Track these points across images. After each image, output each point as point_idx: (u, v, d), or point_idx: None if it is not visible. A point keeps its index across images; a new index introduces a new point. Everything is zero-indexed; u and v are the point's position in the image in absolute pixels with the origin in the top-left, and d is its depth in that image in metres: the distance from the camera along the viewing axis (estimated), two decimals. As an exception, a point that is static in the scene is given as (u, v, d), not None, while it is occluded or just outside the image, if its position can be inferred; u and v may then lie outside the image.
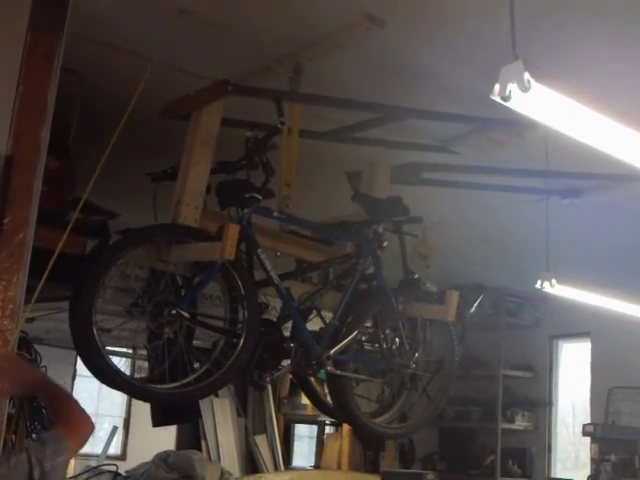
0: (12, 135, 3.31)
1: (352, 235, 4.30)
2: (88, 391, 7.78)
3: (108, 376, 3.35)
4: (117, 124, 3.43)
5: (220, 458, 7.81)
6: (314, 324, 4.10)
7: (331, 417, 4.68)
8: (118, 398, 9.96)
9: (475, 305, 4.36)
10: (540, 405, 7.86)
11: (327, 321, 4.06)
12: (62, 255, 3.38)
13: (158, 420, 4.60)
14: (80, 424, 2.30)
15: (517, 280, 6.85)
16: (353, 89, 4.36)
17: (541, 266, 5.19)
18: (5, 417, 3.26)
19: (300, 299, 4.03)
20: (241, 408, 8.44)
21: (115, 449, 9.45)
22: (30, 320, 5.27)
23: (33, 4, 3.38)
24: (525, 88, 2.34)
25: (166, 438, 7.96)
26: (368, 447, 8.24)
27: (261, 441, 8.31)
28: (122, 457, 9.43)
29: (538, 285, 5.08)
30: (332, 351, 3.92)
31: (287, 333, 3.99)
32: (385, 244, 4.24)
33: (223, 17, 3.74)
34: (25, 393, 2.53)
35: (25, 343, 4.91)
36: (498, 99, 2.42)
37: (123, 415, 9.83)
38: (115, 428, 9.02)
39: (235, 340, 3.63)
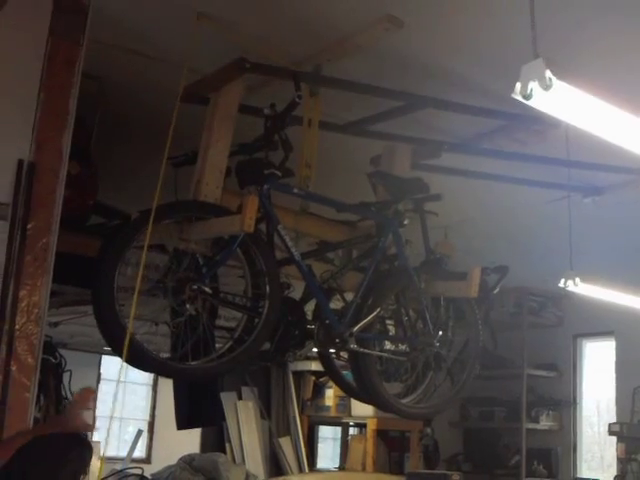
0: (35, 141, 3.34)
1: (372, 212, 4.26)
2: (113, 395, 7.78)
3: (132, 354, 3.31)
4: (138, 128, 3.44)
5: (244, 460, 7.84)
6: (335, 305, 4.09)
7: (354, 397, 4.63)
8: (142, 402, 10.00)
9: (498, 285, 4.29)
10: (565, 404, 7.80)
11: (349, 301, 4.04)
12: (85, 259, 3.41)
13: (182, 423, 4.60)
14: None
15: (540, 279, 6.80)
16: (373, 105, 4.35)
17: (564, 265, 5.17)
18: (32, 422, 3.29)
19: (322, 278, 4.01)
20: (265, 410, 8.45)
21: (140, 452, 9.47)
22: (55, 324, 5.31)
23: (54, 11, 3.42)
24: (546, 86, 2.33)
25: (191, 441, 7.98)
26: (392, 448, 8.24)
27: (285, 443, 8.33)
28: (147, 460, 9.45)
29: (561, 284, 5.05)
30: (355, 328, 3.90)
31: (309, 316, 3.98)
32: (406, 222, 4.21)
33: (241, 19, 3.75)
34: None
35: (50, 347, 4.93)
36: (519, 97, 2.41)
37: (147, 418, 9.85)
38: (140, 431, 9.04)
39: (257, 317, 3.63)
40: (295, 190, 3.91)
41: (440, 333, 4.25)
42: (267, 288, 3.65)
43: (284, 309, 3.76)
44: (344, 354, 4.07)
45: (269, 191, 3.68)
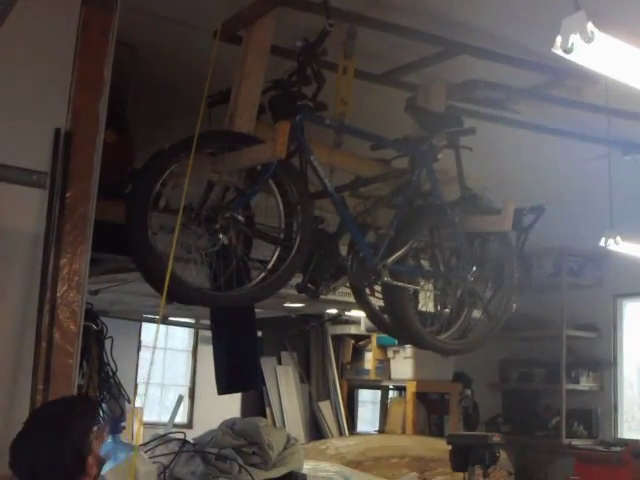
0: (71, 110, 3.35)
1: (406, 146, 4.21)
2: (154, 362, 7.86)
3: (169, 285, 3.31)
4: (173, 94, 3.43)
5: (285, 425, 7.89)
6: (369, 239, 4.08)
7: (387, 333, 4.61)
8: (182, 367, 10.11)
9: (534, 224, 4.24)
10: (605, 365, 7.75)
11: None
12: (123, 227, 3.42)
13: (223, 388, 4.64)
14: None
15: (579, 239, 6.74)
16: (407, 54, 4.31)
17: (604, 225, 5.11)
18: (76, 388, 3.33)
19: (355, 211, 4.00)
20: (304, 375, 8.50)
21: (182, 418, 9.60)
22: (95, 292, 5.35)
23: (86, -21, 3.40)
24: (589, 39, 2.28)
25: (231, 406, 8.04)
26: (432, 411, 8.25)
27: (325, 407, 8.37)
28: (189, 425, 9.58)
29: (602, 243, 4.99)
30: (388, 261, 3.89)
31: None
32: (440, 156, 4.17)
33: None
34: None
35: (91, 315, 4.97)
36: (560, 52, 2.36)
37: (188, 384, 9.97)
38: (181, 397, 9.15)
39: (289, 247, 3.64)
40: (328, 121, 3.88)
41: (474, 269, 4.22)
42: (299, 218, 3.66)
43: (317, 241, 3.77)
44: (378, 290, 4.06)
45: (302, 122, 3.67)
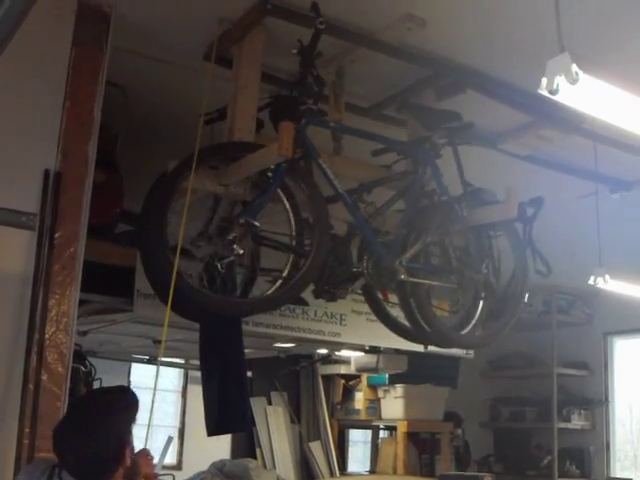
0: (60, 151, 3.35)
1: (408, 144, 4.23)
2: (143, 402, 7.79)
3: (185, 292, 3.38)
4: (163, 134, 3.45)
5: (275, 466, 7.82)
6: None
7: (405, 337, 4.55)
8: (172, 408, 10.02)
9: (536, 215, 4.24)
10: (596, 403, 7.74)
11: None
12: (113, 268, 3.42)
13: (212, 429, 4.59)
14: None
15: (568, 277, 6.75)
16: (396, 89, 4.34)
17: (593, 262, 5.12)
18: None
19: (366, 211, 3.98)
20: (295, 415, 8.44)
21: (171, 459, 9.49)
22: (84, 333, 5.33)
23: (77, 20, 3.44)
24: (573, 80, 2.30)
25: (221, 447, 7.97)
26: (423, 451, 8.19)
27: (316, 447, 8.30)
28: (178, 467, 9.46)
29: (591, 281, 5.00)
30: (403, 258, 3.89)
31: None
32: (442, 153, 4.16)
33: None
34: None
35: (79, 356, 4.95)
36: (546, 92, 2.38)
37: (178, 425, 9.87)
38: (170, 438, 9.03)
39: (303, 254, 3.64)
40: (332, 124, 3.91)
41: (486, 262, 4.23)
42: (315, 221, 3.65)
43: (331, 247, 3.76)
44: (392, 296, 4.07)
45: (306, 126, 3.67)
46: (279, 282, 3.69)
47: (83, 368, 5.12)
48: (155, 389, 3.57)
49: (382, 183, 4.18)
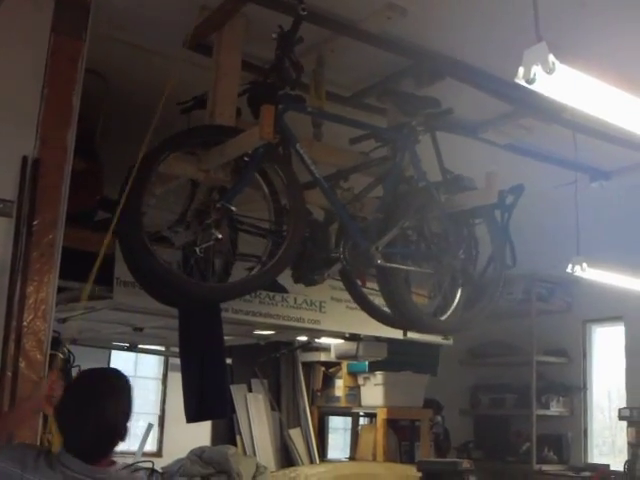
0: (39, 138, 3.34)
1: (386, 130, 4.24)
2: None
3: (162, 276, 3.40)
4: (142, 123, 3.43)
5: (255, 452, 7.84)
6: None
7: (385, 323, 4.55)
8: (152, 395, 10.01)
9: (516, 203, 4.25)
10: (575, 390, 7.79)
11: None
12: (92, 255, 3.40)
13: (192, 416, 4.60)
14: None
15: (548, 265, 6.80)
16: (376, 78, 4.35)
17: (572, 250, 5.15)
18: (41, 419, 3.30)
19: (344, 197, 4.01)
20: (275, 402, 8.46)
21: (151, 446, 9.49)
22: (63, 320, 5.31)
23: (56, 7, 3.42)
24: (550, 70, 2.31)
25: (201, 434, 7.97)
26: (403, 437, 8.23)
27: (296, 434, 8.33)
28: (158, 454, 9.45)
29: (569, 269, 5.03)
30: (380, 242, 3.90)
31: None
32: (420, 138, 4.18)
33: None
34: None
35: (58, 343, 4.92)
36: (523, 82, 2.39)
37: (158, 412, 9.87)
38: (150, 425, 9.05)
39: (280, 238, 3.66)
40: (309, 109, 3.92)
41: (463, 248, 4.25)
42: (291, 206, 3.66)
43: (308, 232, 3.79)
44: (370, 281, 4.09)
45: (284, 111, 3.67)
46: (257, 267, 3.71)
47: (61, 355, 5.09)
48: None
49: (360, 169, 4.19)
